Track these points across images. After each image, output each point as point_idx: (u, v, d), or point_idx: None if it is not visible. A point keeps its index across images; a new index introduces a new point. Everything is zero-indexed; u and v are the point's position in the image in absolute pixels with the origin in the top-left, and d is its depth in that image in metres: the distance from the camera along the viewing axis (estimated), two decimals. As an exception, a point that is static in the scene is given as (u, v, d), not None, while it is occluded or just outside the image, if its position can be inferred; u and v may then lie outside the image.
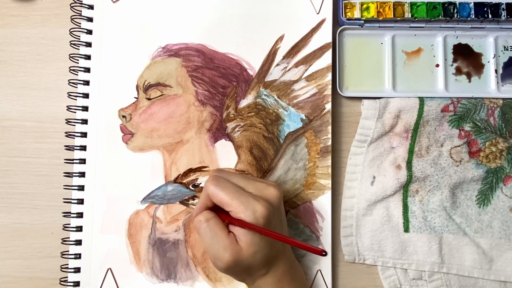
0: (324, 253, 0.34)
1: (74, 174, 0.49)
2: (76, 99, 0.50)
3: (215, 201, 0.40)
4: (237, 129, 0.49)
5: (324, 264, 0.48)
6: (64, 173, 0.49)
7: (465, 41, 0.51)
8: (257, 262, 0.39)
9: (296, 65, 0.50)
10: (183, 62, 0.50)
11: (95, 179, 0.49)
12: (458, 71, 0.51)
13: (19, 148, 0.50)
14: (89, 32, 0.51)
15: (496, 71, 0.50)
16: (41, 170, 0.50)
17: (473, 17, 0.50)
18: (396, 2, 0.50)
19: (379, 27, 0.51)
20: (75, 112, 0.50)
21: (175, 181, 0.49)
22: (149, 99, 0.50)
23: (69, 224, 0.49)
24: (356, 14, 0.50)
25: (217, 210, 0.41)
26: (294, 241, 0.38)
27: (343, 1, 0.50)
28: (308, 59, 0.50)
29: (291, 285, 0.41)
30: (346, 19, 0.50)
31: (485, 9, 0.50)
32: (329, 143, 0.49)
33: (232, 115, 0.50)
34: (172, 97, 0.50)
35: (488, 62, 0.51)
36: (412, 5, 0.50)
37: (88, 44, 0.51)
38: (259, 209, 0.38)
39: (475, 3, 0.50)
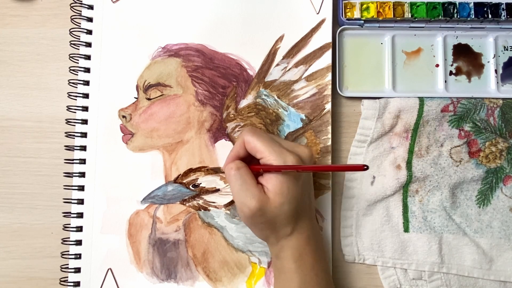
0: (365, 167, 0.35)
1: (74, 174, 0.49)
2: (76, 99, 0.50)
3: (248, 148, 0.41)
4: (237, 129, 0.49)
5: (324, 264, 0.48)
6: (64, 173, 0.49)
7: (465, 41, 0.51)
8: (283, 215, 0.39)
9: (296, 65, 0.50)
10: (183, 62, 0.50)
11: (95, 179, 0.49)
12: (458, 71, 0.51)
13: (19, 148, 0.50)
14: (89, 32, 0.51)
15: (496, 71, 0.50)
16: (41, 170, 0.50)
17: (473, 17, 0.50)
18: (396, 2, 0.50)
19: (379, 27, 0.51)
20: (75, 112, 0.50)
21: (175, 181, 0.49)
22: (149, 99, 0.50)
23: (69, 224, 0.49)
24: (356, 14, 0.50)
25: (248, 163, 0.41)
26: (332, 166, 0.38)
27: (343, 1, 0.50)
28: (308, 59, 0.50)
29: (314, 256, 0.41)
30: (346, 19, 0.50)
31: (485, 9, 0.50)
32: (329, 143, 0.49)
33: (232, 115, 0.50)
34: (172, 97, 0.50)
35: (488, 62, 0.51)
36: (412, 5, 0.50)
37: (88, 44, 0.51)
38: (290, 160, 0.39)
39: (475, 3, 0.50)
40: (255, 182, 0.40)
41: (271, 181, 0.39)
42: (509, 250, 0.47)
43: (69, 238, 0.48)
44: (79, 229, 0.48)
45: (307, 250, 0.41)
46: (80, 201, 0.49)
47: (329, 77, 0.49)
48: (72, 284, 0.48)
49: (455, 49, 0.51)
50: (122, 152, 0.49)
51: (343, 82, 0.50)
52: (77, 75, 0.50)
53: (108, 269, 0.48)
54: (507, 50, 0.51)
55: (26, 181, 0.50)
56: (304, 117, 0.49)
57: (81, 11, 0.51)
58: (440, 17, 0.50)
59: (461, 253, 0.47)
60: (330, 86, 0.49)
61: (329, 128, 0.49)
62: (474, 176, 0.48)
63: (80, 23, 0.51)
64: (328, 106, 0.49)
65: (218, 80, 0.50)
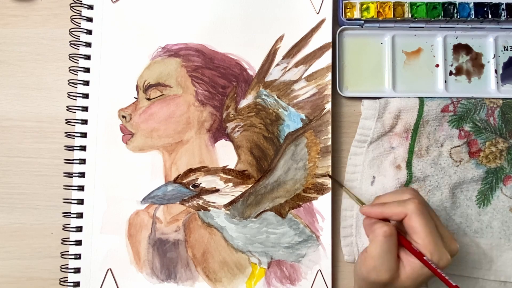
0: None
1: (74, 175, 0.49)
2: (76, 99, 0.50)
3: (407, 223, 0.39)
4: (237, 129, 0.49)
5: (324, 264, 0.48)
6: (64, 173, 0.49)
7: (465, 41, 0.51)
8: None
9: (296, 65, 0.50)
10: (183, 62, 0.50)
11: (95, 179, 0.49)
12: (458, 71, 0.51)
13: (19, 148, 0.50)
14: (89, 32, 0.51)
15: (496, 71, 0.50)
16: (41, 170, 0.50)
17: (473, 17, 0.50)
18: (396, 2, 0.50)
19: (379, 27, 0.51)
20: (75, 112, 0.50)
21: (175, 181, 0.49)
22: (149, 99, 0.50)
23: (69, 224, 0.49)
24: (356, 14, 0.50)
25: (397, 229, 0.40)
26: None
27: (343, 1, 0.50)
28: (308, 59, 0.50)
29: None
30: (346, 19, 0.50)
31: (485, 9, 0.50)
32: (329, 143, 0.49)
33: (232, 115, 0.50)
34: (172, 97, 0.50)
35: (488, 62, 0.51)
36: (412, 5, 0.50)
37: (88, 44, 0.51)
38: (445, 259, 0.38)
39: (475, 3, 0.50)
40: (396, 255, 0.39)
41: (412, 265, 0.38)
42: (509, 250, 0.47)
43: (69, 238, 0.48)
44: (79, 229, 0.48)
45: None
46: (80, 201, 0.49)
47: (329, 77, 0.49)
48: (72, 284, 0.48)
49: (455, 49, 0.51)
50: (122, 152, 0.49)
51: (343, 82, 0.50)
52: (77, 75, 0.50)
53: (108, 269, 0.48)
54: (507, 50, 0.51)
55: (26, 181, 0.50)
56: (304, 117, 0.49)
57: (81, 11, 0.51)
58: (440, 17, 0.50)
59: (461, 253, 0.47)
60: (330, 86, 0.49)
61: (329, 128, 0.49)
62: (474, 176, 0.48)
63: (80, 23, 0.51)
64: (328, 106, 0.49)
65: (218, 80, 0.50)
